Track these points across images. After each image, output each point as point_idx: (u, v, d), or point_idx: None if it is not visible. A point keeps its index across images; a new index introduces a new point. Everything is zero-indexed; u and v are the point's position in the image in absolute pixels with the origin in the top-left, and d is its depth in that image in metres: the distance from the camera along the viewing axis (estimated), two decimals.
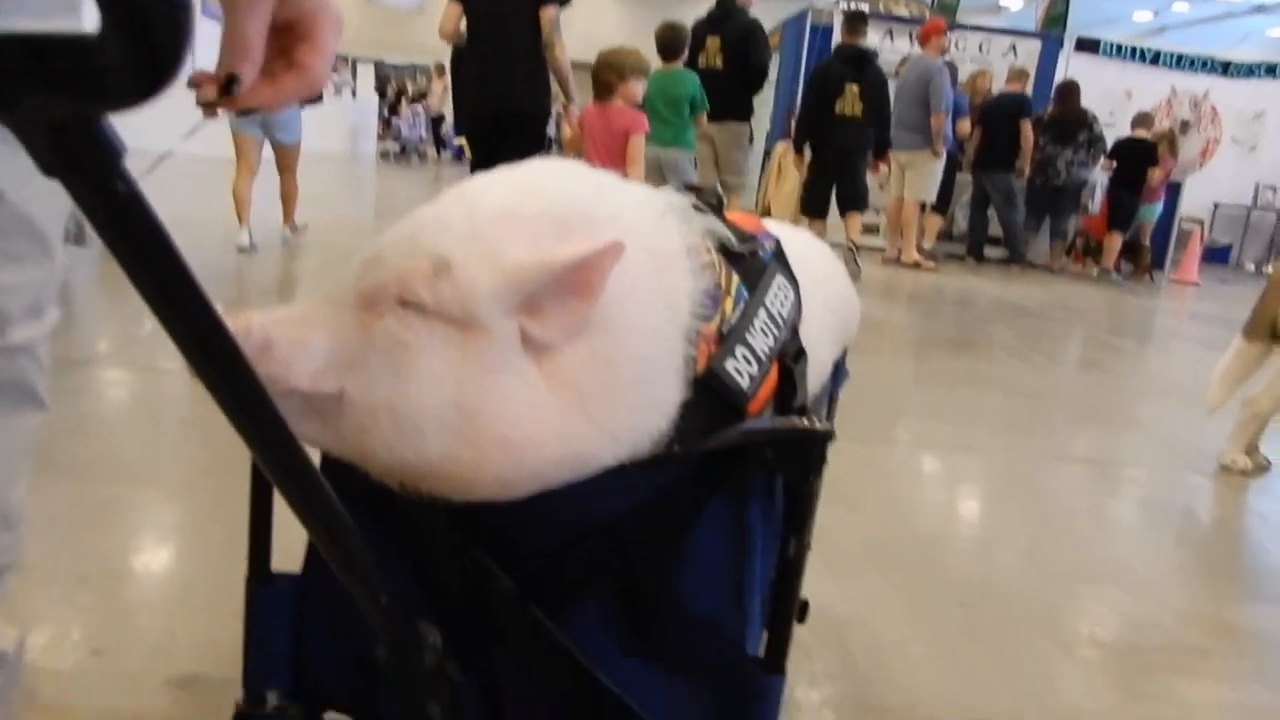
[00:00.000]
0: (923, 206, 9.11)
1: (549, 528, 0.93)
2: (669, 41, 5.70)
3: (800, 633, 1.89)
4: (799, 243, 1.28)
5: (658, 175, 5.45)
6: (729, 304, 0.97)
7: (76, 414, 2.82)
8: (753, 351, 0.96)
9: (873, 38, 9.27)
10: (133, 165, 0.51)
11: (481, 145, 4.89)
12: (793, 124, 8.73)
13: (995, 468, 3.35)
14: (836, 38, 8.45)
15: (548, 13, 4.42)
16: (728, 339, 0.95)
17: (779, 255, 1.11)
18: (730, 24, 6.38)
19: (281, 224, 6.48)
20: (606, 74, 4.55)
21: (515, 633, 0.93)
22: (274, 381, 0.80)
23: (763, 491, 0.93)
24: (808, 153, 7.76)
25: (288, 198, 6.42)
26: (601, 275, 0.84)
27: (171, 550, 2.10)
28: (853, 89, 7.15)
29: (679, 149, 5.71)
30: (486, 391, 0.83)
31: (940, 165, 8.79)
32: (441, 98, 18.40)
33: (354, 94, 20.11)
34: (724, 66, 6.31)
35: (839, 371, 1.45)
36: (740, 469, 0.89)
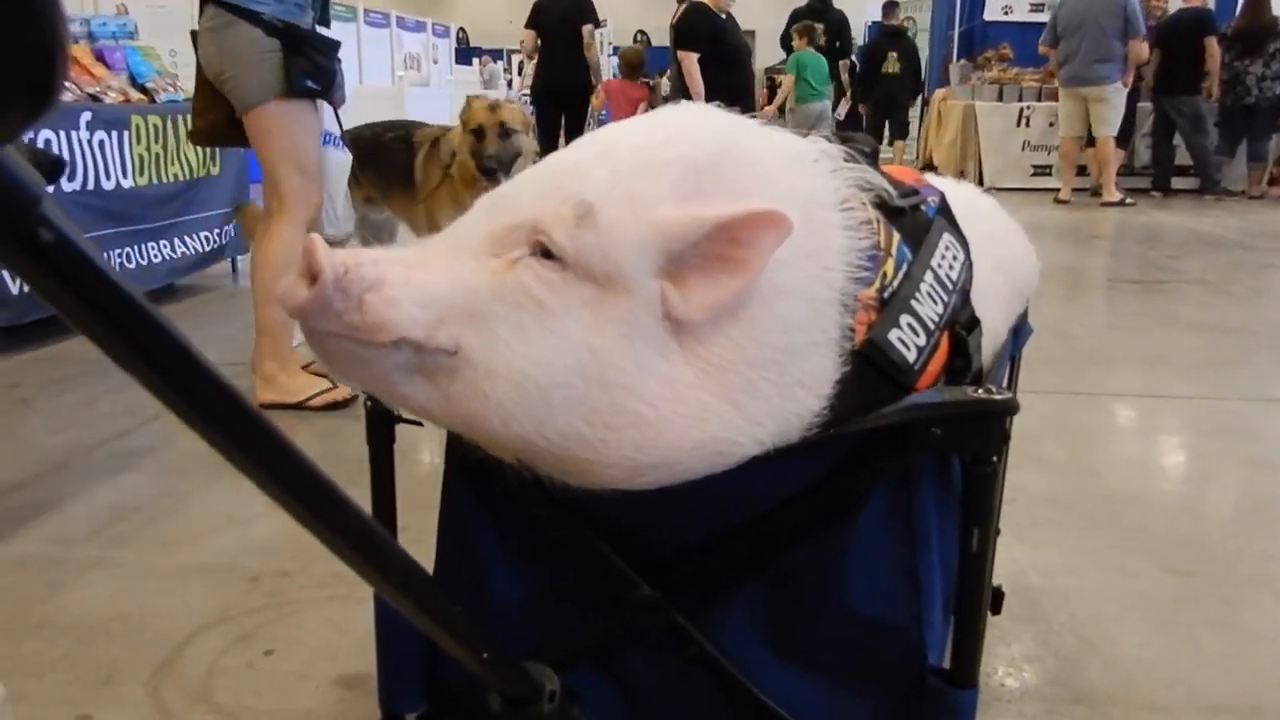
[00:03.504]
0: (1091, 140, 8.64)
1: (689, 523, 0.83)
2: (811, 34, 8.76)
3: None
4: (965, 198, 1.13)
5: (808, 127, 8.00)
6: (890, 266, 0.84)
7: None
8: (919, 320, 0.82)
9: None
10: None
11: (547, 111, 7.37)
12: (949, 71, 11.06)
13: (1197, 414, 3.05)
14: None
15: (587, 28, 7.19)
16: (890, 305, 0.82)
17: (944, 211, 0.97)
18: (830, 15, 9.53)
19: None
20: (635, 61, 7.60)
21: (656, 637, 0.84)
22: (382, 328, 0.71)
23: (935, 475, 0.80)
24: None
25: None
26: (761, 252, 0.73)
27: None
28: (893, 55, 9.89)
29: (822, 102, 8.62)
30: (623, 362, 0.73)
31: (1124, 96, 8.42)
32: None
33: (509, 85, 20.20)
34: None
35: (1021, 329, 1.29)
36: (905, 450, 0.76)
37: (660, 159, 0.78)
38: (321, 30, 2.88)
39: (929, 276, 0.86)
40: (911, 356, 0.81)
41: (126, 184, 4.04)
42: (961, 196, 1.12)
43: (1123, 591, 1.88)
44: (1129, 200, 8.46)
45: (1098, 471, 2.54)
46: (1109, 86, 8.24)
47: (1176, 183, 9.34)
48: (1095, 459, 2.65)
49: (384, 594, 0.66)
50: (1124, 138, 9.09)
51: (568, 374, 0.72)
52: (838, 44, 9.60)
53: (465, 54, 22.00)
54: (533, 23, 7.43)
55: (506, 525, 0.92)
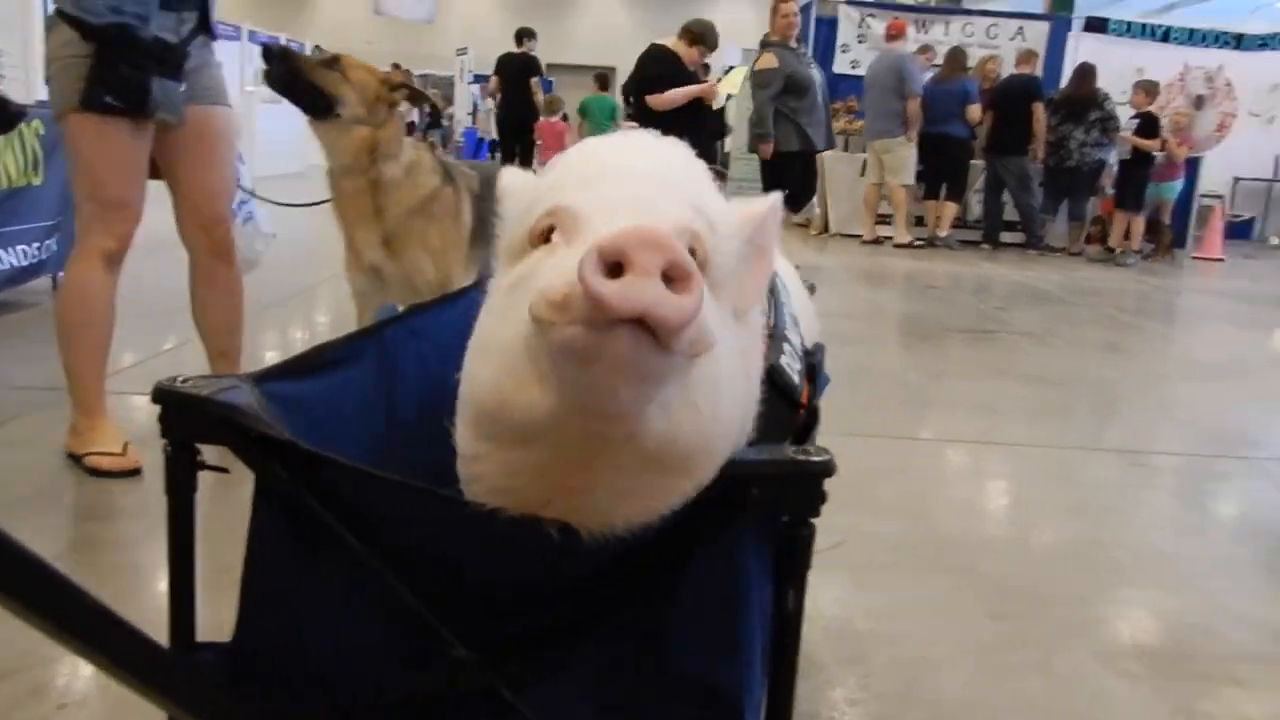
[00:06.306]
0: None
1: (512, 583, 0.79)
2: (600, 77, 11.55)
3: (820, 652, 1.76)
4: None
5: None
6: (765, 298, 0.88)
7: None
8: (794, 348, 0.90)
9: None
10: None
11: (507, 138, 11.15)
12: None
13: (1022, 461, 3.19)
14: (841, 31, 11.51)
15: (533, 80, 10.69)
16: (774, 333, 0.88)
17: None
18: None
19: None
20: (555, 106, 11.00)
21: (476, 702, 0.80)
22: (699, 343, 0.63)
23: (755, 532, 0.79)
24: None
25: None
26: (773, 238, 0.78)
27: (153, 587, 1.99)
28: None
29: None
30: (730, 370, 0.75)
31: (914, 150, 9.16)
32: (486, 119, 17.91)
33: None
34: None
35: (818, 379, 1.34)
36: (725, 509, 0.75)
37: (679, 172, 0.80)
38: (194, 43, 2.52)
39: (786, 310, 0.91)
40: (796, 380, 0.86)
41: None
42: None
43: (948, 634, 1.93)
44: (918, 242, 9.21)
45: (930, 515, 2.61)
46: (893, 140, 9.07)
47: (1005, 237, 9.87)
48: (929, 503, 2.73)
49: (127, 686, 0.59)
50: (958, 193, 9.57)
51: (733, 377, 0.75)
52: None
53: None
54: (497, 71, 10.90)
55: (319, 574, 0.87)
